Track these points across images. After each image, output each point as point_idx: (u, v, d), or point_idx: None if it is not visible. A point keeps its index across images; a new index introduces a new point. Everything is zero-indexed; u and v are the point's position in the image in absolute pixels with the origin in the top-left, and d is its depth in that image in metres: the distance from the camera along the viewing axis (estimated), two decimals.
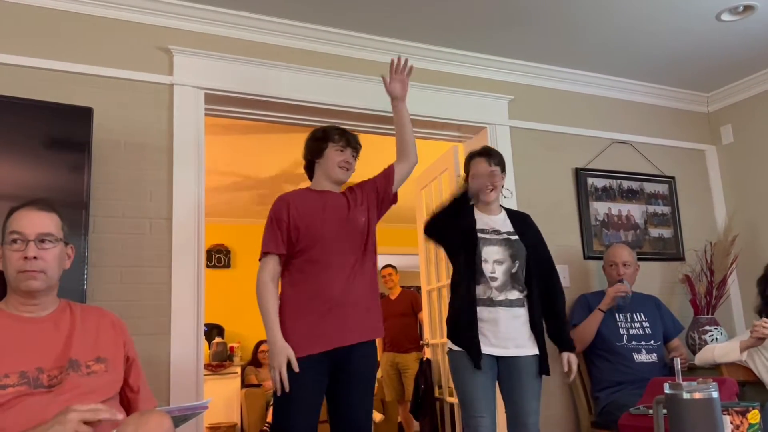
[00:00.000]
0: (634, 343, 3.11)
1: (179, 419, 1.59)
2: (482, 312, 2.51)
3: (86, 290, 2.33)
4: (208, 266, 6.89)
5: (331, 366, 2.27)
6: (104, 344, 1.74)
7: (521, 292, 2.55)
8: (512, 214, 2.73)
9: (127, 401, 1.80)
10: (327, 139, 2.45)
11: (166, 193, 2.70)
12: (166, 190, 2.71)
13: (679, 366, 1.52)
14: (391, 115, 3.21)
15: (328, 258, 2.31)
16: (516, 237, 2.61)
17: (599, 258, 3.55)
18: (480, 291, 2.53)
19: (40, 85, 2.55)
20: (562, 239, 3.56)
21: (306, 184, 2.56)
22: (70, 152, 2.35)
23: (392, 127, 3.36)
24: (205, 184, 2.83)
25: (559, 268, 3.46)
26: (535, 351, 2.53)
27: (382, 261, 5.36)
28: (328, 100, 3.09)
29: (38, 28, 2.61)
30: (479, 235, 2.58)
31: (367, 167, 5.44)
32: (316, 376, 2.22)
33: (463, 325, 2.51)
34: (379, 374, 5.75)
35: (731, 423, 1.67)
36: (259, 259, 2.36)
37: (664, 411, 1.45)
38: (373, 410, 5.47)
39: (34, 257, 1.63)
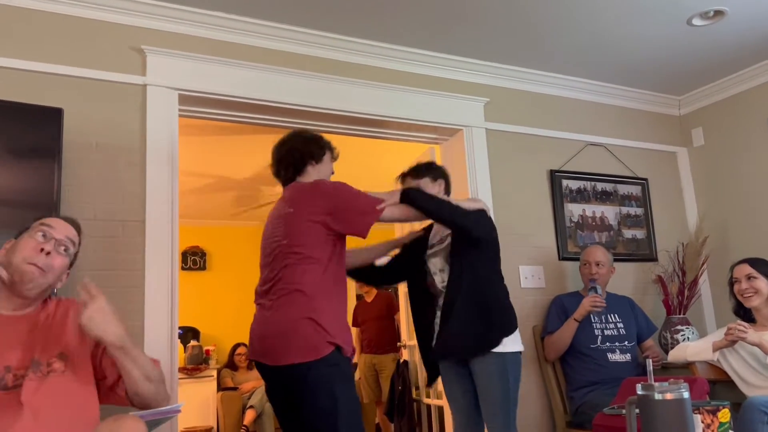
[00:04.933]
0: (608, 344, 3.15)
1: (151, 424, 1.57)
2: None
3: (57, 294, 2.28)
4: (183, 269, 6.82)
5: None
6: (69, 336, 1.70)
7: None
8: None
9: (114, 375, 1.75)
10: (326, 146, 2.43)
11: (139, 195, 2.66)
12: (139, 191, 2.67)
13: (651, 367, 1.54)
14: (366, 116, 3.23)
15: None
16: (450, 239, 2.56)
17: (574, 259, 3.59)
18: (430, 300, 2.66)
19: (8, 85, 2.49)
20: (537, 240, 3.59)
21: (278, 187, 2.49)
22: (40, 153, 2.30)
23: (365, 129, 3.37)
24: (179, 186, 2.78)
25: (534, 269, 3.52)
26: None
27: None
28: (302, 102, 3.08)
29: (6, 26, 2.56)
30: (428, 251, 2.66)
31: (342, 168, 5.44)
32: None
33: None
34: (357, 376, 5.74)
35: (702, 422, 1.70)
36: (371, 216, 2.20)
37: (637, 411, 1.47)
38: None
39: (47, 253, 1.67)
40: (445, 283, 2.52)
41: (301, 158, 2.37)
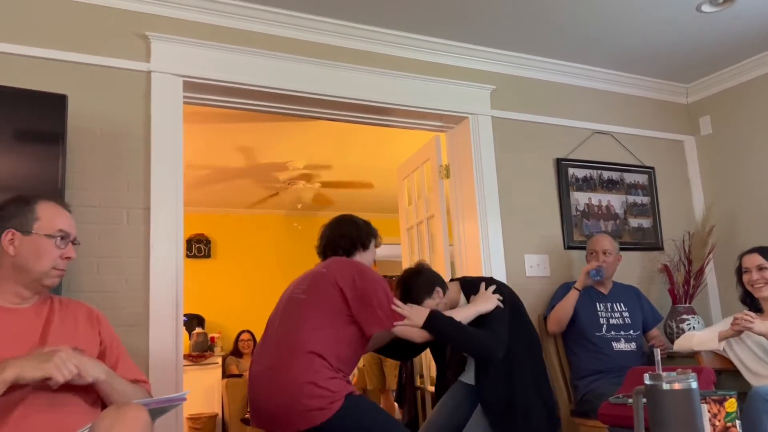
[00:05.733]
0: (613, 332, 3.14)
1: (157, 412, 1.58)
2: None
3: (62, 281, 2.28)
4: (188, 256, 6.83)
5: None
6: (83, 337, 1.72)
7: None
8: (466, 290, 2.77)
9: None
10: (374, 235, 2.52)
11: (144, 183, 2.66)
12: (144, 179, 2.66)
13: (659, 356, 1.53)
14: (371, 103, 3.21)
15: None
16: None
17: (580, 248, 3.57)
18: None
19: (12, 72, 2.48)
20: (542, 229, 3.57)
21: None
22: (44, 140, 2.29)
23: (370, 116, 3.35)
24: (184, 173, 2.78)
25: (539, 257, 3.51)
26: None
27: None
28: (309, 89, 3.06)
29: (10, 12, 2.54)
30: None
31: (347, 156, 5.43)
32: None
33: None
34: (360, 363, 5.76)
35: (709, 411, 1.69)
36: (383, 322, 2.19)
37: (644, 400, 1.46)
38: None
39: (68, 257, 1.70)
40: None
41: (352, 244, 2.45)
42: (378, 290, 2.20)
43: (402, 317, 2.21)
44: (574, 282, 3.34)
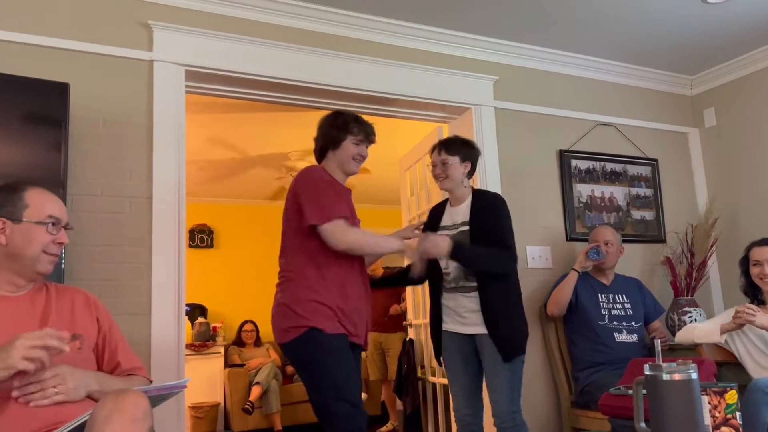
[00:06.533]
0: (615, 323, 3.14)
1: (157, 399, 1.58)
2: (447, 296, 2.62)
3: (64, 269, 2.29)
4: (190, 246, 6.84)
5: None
6: (81, 323, 1.73)
7: (470, 281, 2.55)
8: (477, 199, 2.65)
9: (108, 366, 1.78)
10: (346, 130, 2.34)
11: (146, 172, 2.66)
12: (146, 168, 2.66)
13: (660, 347, 1.53)
14: (373, 94, 3.20)
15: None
16: (467, 228, 2.56)
17: (582, 240, 3.57)
18: (444, 283, 2.63)
19: (15, 60, 2.48)
20: (545, 221, 3.57)
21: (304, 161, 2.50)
22: (47, 129, 2.29)
23: (372, 106, 3.34)
24: (186, 163, 2.77)
25: (541, 249, 3.50)
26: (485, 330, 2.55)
27: None
28: (312, 79, 3.05)
29: (13, 0, 2.53)
30: (440, 232, 2.61)
31: None
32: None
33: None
34: (363, 354, 5.77)
35: (709, 403, 1.69)
36: (319, 226, 2.17)
37: (644, 391, 1.46)
38: None
39: (60, 242, 1.69)
40: (449, 269, 2.58)
41: (320, 148, 2.41)
42: (307, 188, 2.21)
43: (326, 219, 2.16)
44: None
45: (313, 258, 2.21)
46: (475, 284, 2.53)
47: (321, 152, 2.41)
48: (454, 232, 2.58)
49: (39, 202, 1.68)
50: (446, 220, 2.68)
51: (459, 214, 2.63)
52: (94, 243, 2.51)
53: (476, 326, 2.52)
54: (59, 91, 2.34)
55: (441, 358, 2.69)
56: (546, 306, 3.29)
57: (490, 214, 2.56)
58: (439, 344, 2.68)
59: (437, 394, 3.90)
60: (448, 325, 2.62)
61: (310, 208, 2.17)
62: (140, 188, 2.64)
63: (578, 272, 3.14)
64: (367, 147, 2.41)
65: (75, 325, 1.70)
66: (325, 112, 3.47)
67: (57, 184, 2.27)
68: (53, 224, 1.69)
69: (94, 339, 1.75)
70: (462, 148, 2.64)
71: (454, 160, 2.60)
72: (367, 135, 2.38)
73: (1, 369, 1.40)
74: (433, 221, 2.72)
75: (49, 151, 2.29)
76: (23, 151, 2.24)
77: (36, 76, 2.39)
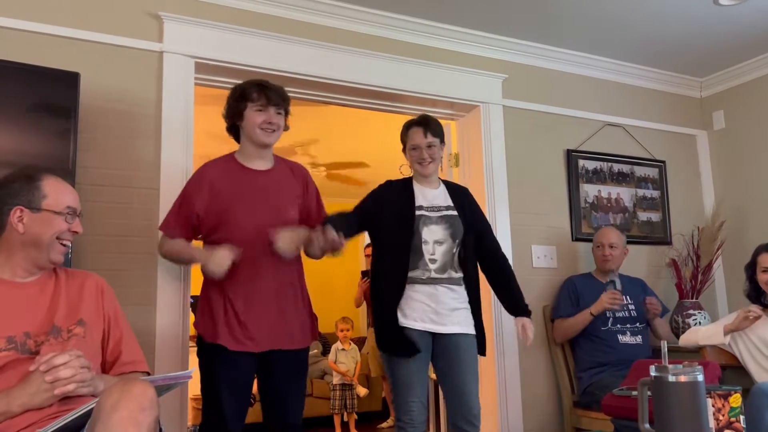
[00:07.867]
0: (619, 325, 3.13)
1: (162, 389, 1.59)
2: (423, 289, 2.37)
3: (71, 259, 2.30)
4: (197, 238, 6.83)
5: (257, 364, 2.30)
6: (86, 307, 1.73)
7: (457, 272, 2.45)
8: (451, 188, 2.58)
9: (111, 355, 1.78)
10: (245, 98, 2.20)
11: (154, 163, 2.66)
12: (154, 159, 2.66)
13: (665, 348, 1.52)
14: (382, 89, 3.19)
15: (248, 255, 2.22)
16: (455, 213, 2.46)
17: (587, 240, 3.56)
18: (418, 273, 2.39)
19: (25, 49, 2.48)
20: (551, 220, 3.56)
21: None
22: (56, 118, 2.29)
23: (381, 102, 3.33)
24: (194, 154, 2.78)
25: (546, 249, 3.50)
26: (473, 331, 2.44)
27: (366, 239, 5.33)
28: (321, 73, 3.05)
29: None
30: (418, 212, 2.42)
31: (359, 141, 5.41)
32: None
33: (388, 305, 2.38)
34: (365, 350, 5.78)
35: (713, 406, 1.69)
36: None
37: (649, 393, 1.46)
38: (359, 385, 5.50)
39: (75, 231, 1.72)
40: (435, 256, 2.40)
41: (231, 121, 2.35)
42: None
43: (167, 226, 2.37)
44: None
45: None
46: (461, 275, 2.44)
47: (232, 130, 2.34)
48: (438, 214, 2.44)
49: (57, 192, 1.70)
50: (421, 200, 2.46)
51: (437, 197, 2.49)
52: (101, 233, 2.51)
53: (455, 325, 2.38)
54: (69, 81, 2.34)
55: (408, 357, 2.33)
56: (552, 318, 3.29)
57: (471, 202, 2.57)
58: (404, 339, 2.33)
59: (437, 391, 3.91)
60: (416, 323, 2.34)
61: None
62: (148, 179, 2.64)
63: (594, 316, 3.08)
64: (277, 113, 2.23)
65: (81, 312, 1.70)
66: (333, 108, 3.49)
67: (65, 174, 2.22)
68: (70, 215, 1.70)
69: (100, 327, 1.75)
70: (441, 130, 2.55)
71: (438, 142, 2.51)
72: (269, 99, 2.18)
73: (42, 399, 1.48)
74: (404, 201, 2.46)
75: (58, 141, 2.29)
76: (32, 140, 2.25)
77: (46, 65, 2.39)
